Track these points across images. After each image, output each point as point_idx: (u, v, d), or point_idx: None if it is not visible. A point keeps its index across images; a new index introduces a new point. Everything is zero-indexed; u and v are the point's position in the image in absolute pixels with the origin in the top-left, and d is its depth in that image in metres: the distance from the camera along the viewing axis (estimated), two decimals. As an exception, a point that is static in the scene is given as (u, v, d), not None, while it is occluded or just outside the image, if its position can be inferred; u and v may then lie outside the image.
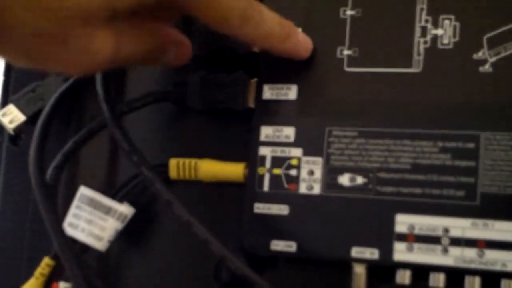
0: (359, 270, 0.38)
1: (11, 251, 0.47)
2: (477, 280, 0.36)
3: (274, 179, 0.39)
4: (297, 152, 0.39)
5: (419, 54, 0.38)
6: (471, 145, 0.36)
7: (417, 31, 0.38)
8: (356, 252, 0.37)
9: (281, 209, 0.39)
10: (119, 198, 0.43)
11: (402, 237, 0.37)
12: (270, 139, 0.40)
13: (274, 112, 0.40)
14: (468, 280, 0.36)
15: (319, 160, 0.39)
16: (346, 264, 0.38)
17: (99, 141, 0.45)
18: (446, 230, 0.36)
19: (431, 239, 0.36)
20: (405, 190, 0.37)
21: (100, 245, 0.42)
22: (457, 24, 0.38)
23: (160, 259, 0.44)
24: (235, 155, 0.42)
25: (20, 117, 0.45)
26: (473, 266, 0.36)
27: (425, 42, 0.38)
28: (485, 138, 0.36)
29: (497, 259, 0.35)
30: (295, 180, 0.39)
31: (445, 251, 0.36)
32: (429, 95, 0.37)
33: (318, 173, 0.39)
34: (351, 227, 0.38)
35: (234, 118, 0.43)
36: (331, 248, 0.38)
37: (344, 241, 0.38)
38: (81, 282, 0.38)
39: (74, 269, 0.38)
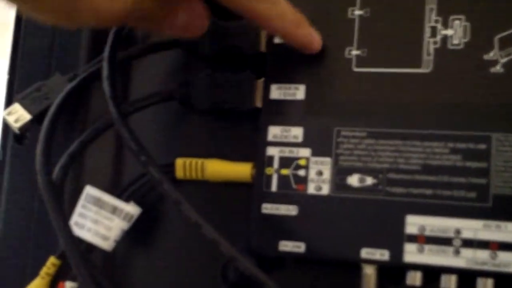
0: (369, 271, 0.37)
1: (17, 251, 0.47)
2: (489, 282, 0.36)
3: (282, 179, 0.39)
4: (305, 152, 0.39)
5: (428, 54, 0.38)
6: (482, 146, 0.36)
7: (427, 31, 0.38)
8: (366, 253, 0.37)
9: (290, 210, 0.39)
10: (125, 197, 0.43)
11: (413, 238, 0.36)
12: (278, 139, 0.40)
13: (281, 112, 0.40)
14: (480, 282, 0.36)
15: (327, 160, 0.39)
16: (356, 265, 0.38)
17: (104, 140, 0.44)
18: (457, 232, 0.36)
19: (443, 241, 0.36)
20: (415, 191, 0.37)
21: (106, 245, 0.42)
22: (468, 24, 0.37)
23: (166, 259, 0.43)
24: (242, 155, 0.42)
25: (26, 116, 0.44)
26: (485, 268, 0.35)
27: (435, 43, 0.38)
28: (496, 139, 0.36)
29: (510, 261, 0.35)
30: (304, 180, 0.39)
31: (456, 252, 0.36)
32: (439, 96, 0.37)
33: (326, 174, 0.38)
34: (361, 228, 0.37)
35: (240, 118, 0.42)
36: (341, 249, 0.38)
37: (353, 242, 0.37)
38: (88, 281, 0.38)
39: (81, 268, 0.37)
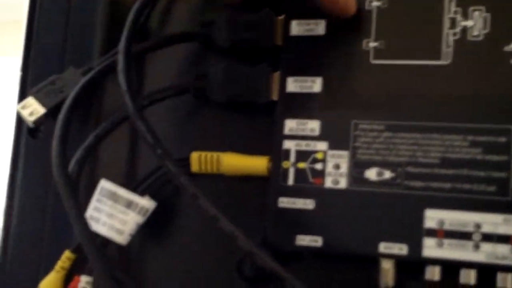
0: (387, 266, 0.37)
1: (31, 245, 0.46)
2: (509, 277, 0.35)
3: (299, 173, 0.39)
4: (322, 145, 0.39)
5: (448, 46, 0.37)
6: (502, 139, 0.36)
7: (446, 23, 0.38)
8: (384, 247, 0.37)
9: (306, 204, 0.38)
10: (140, 191, 0.43)
11: (432, 233, 0.36)
12: (294, 133, 0.39)
13: (298, 105, 0.39)
14: (500, 277, 0.35)
15: (345, 154, 0.38)
16: (373, 260, 0.37)
17: (119, 134, 0.44)
18: (477, 226, 0.36)
19: (462, 235, 0.36)
20: (434, 184, 0.36)
21: (121, 239, 0.42)
22: (488, 15, 0.37)
23: (181, 253, 0.43)
24: (258, 148, 0.41)
25: (40, 110, 0.44)
26: (505, 262, 0.35)
27: (455, 34, 0.37)
28: (516, 132, 0.36)
29: (531, 256, 0.35)
30: (321, 174, 0.38)
31: (476, 247, 0.36)
32: (458, 88, 0.37)
33: (344, 167, 0.38)
34: (379, 222, 0.37)
35: (256, 111, 0.42)
36: (358, 243, 0.37)
37: (371, 236, 0.37)
38: (104, 274, 0.37)
39: (98, 261, 0.37)
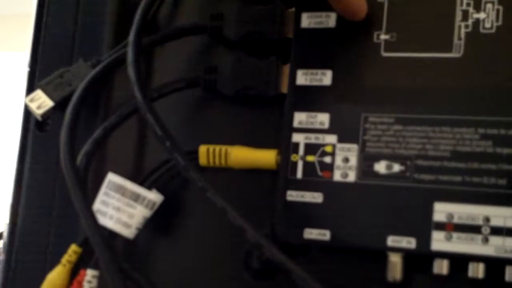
0: (395, 260, 0.37)
1: (38, 238, 0.46)
2: (519, 271, 0.35)
3: (308, 166, 0.39)
4: (331, 138, 0.39)
5: (459, 38, 0.37)
6: (513, 132, 0.36)
7: (458, 15, 0.37)
8: (392, 241, 0.37)
9: (315, 197, 0.38)
10: (148, 185, 0.42)
11: (441, 226, 0.36)
12: (304, 126, 0.39)
13: (308, 98, 0.39)
14: (509, 270, 0.35)
15: (354, 147, 0.38)
16: (382, 253, 0.37)
17: (127, 127, 0.44)
18: (487, 219, 0.35)
19: (471, 228, 0.36)
20: (444, 178, 0.36)
21: (128, 233, 0.41)
22: (500, 7, 0.37)
23: (188, 246, 0.43)
24: (267, 141, 0.41)
25: (48, 103, 0.44)
26: (515, 256, 0.35)
27: (467, 26, 0.37)
28: (528, 125, 0.35)
29: (541, 249, 0.34)
30: (330, 167, 0.38)
31: (485, 240, 0.35)
32: (469, 81, 0.37)
33: (353, 161, 0.38)
34: (388, 215, 0.37)
35: (265, 104, 0.42)
36: (367, 237, 0.37)
37: (380, 230, 0.37)
38: (111, 267, 0.37)
39: (105, 253, 0.37)
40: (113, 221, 0.41)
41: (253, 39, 0.41)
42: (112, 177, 0.42)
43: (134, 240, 0.42)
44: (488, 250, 0.35)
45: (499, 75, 0.36)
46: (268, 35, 0.41)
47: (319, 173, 0.38)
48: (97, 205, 0.42)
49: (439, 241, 0.36)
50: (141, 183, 0.42)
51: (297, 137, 0.39)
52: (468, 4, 0.37)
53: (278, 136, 0.40)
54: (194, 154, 0.42)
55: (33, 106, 0.44)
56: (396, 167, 0.37)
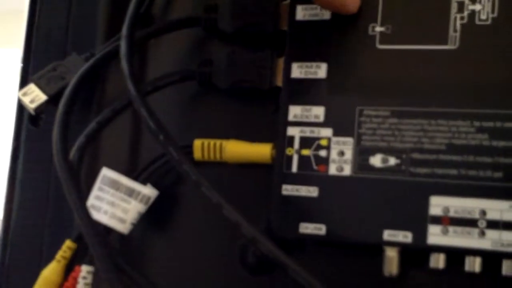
0: (392, 254, 0.37)
1: (32, 234, 0.46)
2: (516, 264, 0.35)
3: (303, 160, 0.38)
4: (326, 132, 0.38)
5: (455, 30, 0.37)
6: (509, 124, 0.35)
7: (454, 7, 0.37)
8: (388, 235, 0.36)
9: (310, 191, 0.38)
10: (142, 179, 0.42)
11: (437, 220, 0.36)
12: (299, 119, 0.39)
13: (302, 91, 0.39)
14: (506, 264, 0.35)
15: (349, 140, 0.38)
16: (378, 248, 0.37)
17: (121, 122, 0.44)
18: (483, 213, 0.35)
19: (467, 222, 0.35)
20: (440, 171, 0.36)
21: (123, 228, 0.41)
22: (496, -1, 0.37)
23: (183, 241, 0.43)
24: (261, 135, 0.41)
25: (42, 97, 0.44)
26: (511, 249, 0.34)
27: (462, 18, 0.37)
28: (524, 117, 0.35)
29: (537, 243, 0.34)
30: (325, 161, 0.38)
31: (482, 234, 0.35)
32: (465, 73, 0.36)
33: (348, 154, 0.38)
34: (383, 209, 0.36)
35: (260, 97, 0.41)
36: (362, 231, 0.37)
37: (376, 224, 0.37)
38: (106, 263, 0.37)
39: (99, 248, 0.37)
40: (108, 216, 0.41)
41: (248, 32, 0.41)
42: (106, 172, 0.42)
43: (129, 235, 0.42)
44: (484, 243, 0.35)
45: (495, 67, 0.36)
46: (262, 28, 0.40)
47: (315, 167, 0.38)
48: (91, 200, 0.41)
49: (435, 235, 0.36)
50: (136, 178, 0.42)
51: (292, 131, 0.39)
52: (463, -4, 0.37)
53: (273, 129, 0.40)
54: (189, 148, 0.42)
55: (26, 100, 0.44)
56: (392, 161, 0.37)
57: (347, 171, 0.38)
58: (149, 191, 0.41)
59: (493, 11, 0.36)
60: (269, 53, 0.40)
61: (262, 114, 0.42)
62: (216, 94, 0.42)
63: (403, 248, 0.36)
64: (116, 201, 0.41)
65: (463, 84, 0.36)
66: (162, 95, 0.43)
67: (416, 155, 0.37)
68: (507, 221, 0.35)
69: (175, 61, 0.44)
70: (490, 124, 0.36)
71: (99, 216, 0.41)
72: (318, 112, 0.38)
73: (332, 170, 0.38)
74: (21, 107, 0.47)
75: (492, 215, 0.35)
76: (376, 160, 0.37)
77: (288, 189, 0.38)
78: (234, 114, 0.42)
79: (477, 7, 0.37)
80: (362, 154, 0.37)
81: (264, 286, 0.41)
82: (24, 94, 0.44)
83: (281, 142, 0.39)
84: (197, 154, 0.42)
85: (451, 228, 0.35)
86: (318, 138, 0.38)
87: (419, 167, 0.36)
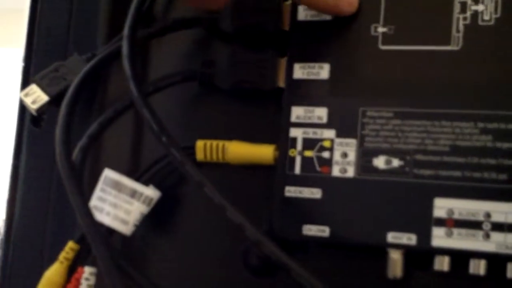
0: (396, 256, 0.36)
1: (34, 235, 0.46)
2: (521, 267, 0.34)
3: (306, 161, 0.38)
4: (329, 133, 0.38)
5: (458, 31, 0.37)
6: (513, 126, 0.35)
7: (456, 7, 0.37)
8: (392, 237, 0.36)
9: (313, 193, 0.38)
10: (145, 181, 0.42)
11: (441, 222, 0.35)
12: (302, 120, 0.39)
13: (305, 92, 0.39)
14: (511, 267, 0.35)
15: (353, 142, 0.37)
16: (382, 250, 0.37)
17: (123, 123, 0.44)
18: (487, 215, 0.35)
19: (472, 224, 0.35)
20: (444, 173, 0.36)
21: (126, 229, 0.41)
22: (499, -1, 0.36)
23: (186, 243, 0.43)
24: (264, 136, 0.41)
25: (43, 97, 0.43)
26: (516, 252, 0.34)
27: (465, 19, 0.37)
28: (528, 118, 0.35)
29: (543, 246, 0.34)
30: (328, 162, 0.38)
31: (486, 236, 0.35)
32: (468, 74, 0.36)
33: (352, 156, 0.37)
34: (387, 211, 0.36)
35: (262, 98, 0.41)
36: (366, 233, 0.37)
37: (379, 226, 0.36)
38: (109, 264, 0.37)
39: (101, 250, 0.37)
40: (110, 217, 0.41)
41: (250, 32, 0.41)
42: (108, 173, 0.42)
43: (131, 237, 0.41)
44: (489, 246, 0.35)
45: (498, 68, 0.35)
46: (264, 28, 0.40)
47: (318, 168, 0.38)
48: (93, 202, 0.41)
49: (439, 237, 0.35)
50: (138, 178, 0.42)
51: (295, 132, 0.39)
52: (466, -4, 0.37)
53: (276, 130, 0.39)
54: (191, 149, 0.42)
55: (28, 101, 0.44)
56: (395, 162, 0.37)
57: (350, 172, 0.37)
58: (151, 192, 0.41)
59: (496, 12, 0.36)
60: (271, 54, 0.40)
61: (264, 115, 0.41)
62: (218, 94, 0.42)
63: (407, 251, 0.36)
64: (118, 202, 0.41)
65: (467, 85, 0.36)
66: (164, 96, 0.43)
67: (419, 157, 0.36)
68: (512, 223, 0.35)
69: (177, 62, 0.44)
70: (494, 125, 0.35)
71: (101, 217, 0.41)
72: (321, 113, 0.38)
73: (336, 171, 0.38)
74: (22, 108, 0.47)
75: (496, 218, 0.35)
76: (379, 162, 0.37)
77: (291, 191, 0.38)
78: (236, 115, 0.42)
79: (480, 7, 0.36)
80: (365, 155, 0.37)
81: (266, 287, 0.41)
82: (26, 95, 0.44)
83: (284, 143, 0.39)
84: (199, 155, 0.42)
85: (455, 231, 0.35)
86: (321, 140, 0.38)
87: (423, 168, 0.36)
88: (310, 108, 0.38)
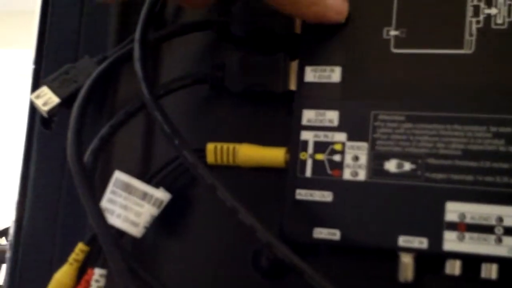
0: (407, 260, 0.36)
1: (44, 237, 0.46)
2: (533, 272, 0.34)
3: (317, 164, 0.38)
4: (341, 136, 0.38)
5: (471, 34, 0.36)
6: (526, 130, 0.35)
7: (469, 11, 0.37)
8: (403, 241, 0.36)
9: (324, 196, 0.38)
10: (155, 183, 0.42)
11: (453, 226, 0.35)
12: (313, 123, 0.39)
13: (316, 95, 0.39)
14: (523, 271, 0.35)
15: (364, 145, 0.37)
16: (393, 254, 0.37)
17: (134, 125, 0.44)
18: (500, 219, 0.35)
19: (484, 229, 0.35)
20: (456, 177, 0.36)
21: (136, 231, 0.41)
22: (512, 3, 0.36)
23: (196, 245, 0.43)
24: (275, 139, 0.41)
25: (54, 99, 0.44)
26: (529, 257, 0.34)
27: (478, 22, 0.36)
28: (541, 122, 0.35)
29: (555, 250, 0.34)
30: (339, 166, 0.38)
31: (499, 240, 0.35)
32: (481, 78, 0.36)
33: (363, 159, 0.37)
34: (399, 215, 0.36)
35: (273, 101, 0.41)
36: (377, 237, 0.36)
37: (391, 230, 0.36)
38: (121, 264, 0.37)
39: (114, 253, 0.37)
40: (121, 219, 0.41)
41: (261, 35, 0.41)
42: (119, 175, 0.42)
43: (142, 239, 0.41)
44: (501, 250, 0.35)
45: (511, 72, 0.35)
46: (275, 31, 0.40)
47: (329, 171, 0.38)
48: (104, 204, 0.41)
49: (451, 241, 0.35)
50: (148, 181, 0.42)
51: (306, 135, 0.39)
52: (479, 0, 0.37)
53: (287, 133, 0.39)
54: (202, 152, 0.42)
55: (39, 103, 0.44)
56: (407, 166, 0.37)
57: (361, 176, 0.37)
58: (162, 195, 0.41)
59: (509, 15, 0.36)
60: (282, 57, 0.40)
61: (274, 117, 0.41)
62: (229, 97, 0.42)
63: (418, 254, 0.36)
64: (129, 205, 0.41)
65: (479, 89, 0.36)
66: (174, 99, 0.43)
67: (431, 160, 0.36)
68: (525, 228, 0.34)
69: (187, 65, 0.44)
70: (507, 129, 0.35)
71: (112, 219, 0.41)
72: (332, 116, 0.38)
73: (347, 175, 0.38)
74: (33, 110, 0.47)
75: (509, 222, 0.35)
76: (391, 165, 0.37)
77: (302, 194, 0.38)
78: (247, 117, 0.42)
79: (493, 11, 0.36)
80: (377, 159, 0.37)
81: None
82: (37, 97, 0.44)
83: (295, 146, 0.39)
84: (210, 158, 0.42)
85: (467, 235, 0.35)
86: (332, 143, 0.38)
87: (435, 172, 0.36)
88: (321, 111, 0.38)
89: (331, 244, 0.38)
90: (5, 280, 0.47)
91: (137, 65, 0.39)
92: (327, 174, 0.38)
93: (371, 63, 0.38)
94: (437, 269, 0.36)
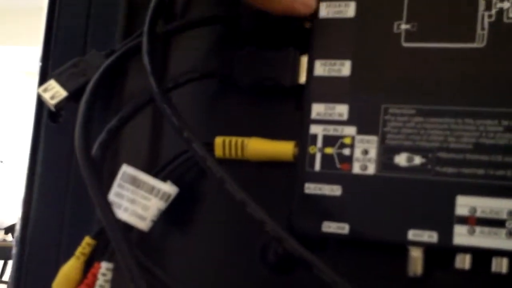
0: (416, 254, 0.36)
1: (51, 230, 0.46)
2: (543, 266, 0.34)
3: (326, 158, 0.38)
4: (350, 130, 0.38)
5: (483, 28, 0.36)
6: (538, 124, 0.35)
7: (481, 5, 0.37)
8: (413, 235, 0.36)
9: (333, 190, 0.38)
10: (162, 177, 0.42)
11: (463, 220, 0.35)
12: (322, 117, 0.38)
13: (326, 89, 0.39)
14: (534, 265, 0.34)
15: (374, 139, 0.37)
16: (402, 248, 0.36)
17: (141, 119, 0.44)
18: (510, 213, 0.35)
19: (495, 222, 0.35)
20: (466, 171, 0.36)
21: (143, 225, 0.41)
22: (525, -4, 0.36)
23: (203, 239, 0.43)
24: (284, 133, 0.40)
25: (62, 93, 0.43)
26: (539, 250, 0.34)
27: (490, 16, 0.36)
28: (552, 116, 0.35)
29: None
30: (348, 159, 0.38)
31: (510, 234, 0.35)
32: (492, 72, 0.36)
33: (372, 153, 0.37)
34: (408, 209, 0.36)
35: (282, 95, 0.41)
36: (387, 231, 0.36)
37: (400, 224, 0.36)
38: (129, 258, 0.37)
39: (122, 245, 0.36)
40: (128, 213, 0.41)
41: (270, 29, 0.41)
42: (126, 169, 0.41)
43: (149, 233, 0.41)
44: (512, 244, 0.35)
45: None
46: (285, 25, 0.40)
47: (338, 165, 0.38)
48: (111, 197, 0.41)
49: (461, 235, 0.35)
50: (156, 174, 0.42)
51: (315, 129, 0.38)
52: (492, -7, 0.37)
53: (295, 127, 0.39)
54: (210, 146, 0.42)
55: (46, 96, 0.44)
56: (417, 160, 0.36)
57: (371, 170, 0.37)
58: (169, 188, 0.41)
59: (522, 9, 0.36)
60: (291, 51, 0.40)
61: (284, 111, 0.41)
62: (237, 91, 0.42)
63: (428, 248, 0.36)
64: (136, 198, 0.41)
65: (491, 83, 0.36)
66: (183, 92, 0.43)
67: (442, 154, 0.36)
68: (535, 221, 0.34)
69: (196, 59, 0.44)
70: (519, 123, 0.35)
71: (119, 213, 0.41)
72: (341, 110, 0.38)
73: (356, 169, 0.37)
74: (40, 104, 0.47)
75: (520, 216, 0.35)
76: (401, 159, 0.37)
77: (310, 188, 0.38)
78: (255, 111, 0.42)
79: (505, 5, 0.36)
80: (386, 153, 0.37)
81: (284, 284, 0.41)
82: (45, 90, 0.44)
83: (304, 140, 0.39)
84: (218, 151, 0.41)
85: (478, 229, 0.35)
86: (342, 137, 0.38)
87: (446, 166, 0.36)
88: (331, 105, 0.38)
89: (340, 238, 0.38)
90: (11, 276, 0.47)
91: (145, 58, 0.39)
92: (336, 168, 0.38)
93: (381, 57, 0.38)
94: (447, 263, 0.36)
